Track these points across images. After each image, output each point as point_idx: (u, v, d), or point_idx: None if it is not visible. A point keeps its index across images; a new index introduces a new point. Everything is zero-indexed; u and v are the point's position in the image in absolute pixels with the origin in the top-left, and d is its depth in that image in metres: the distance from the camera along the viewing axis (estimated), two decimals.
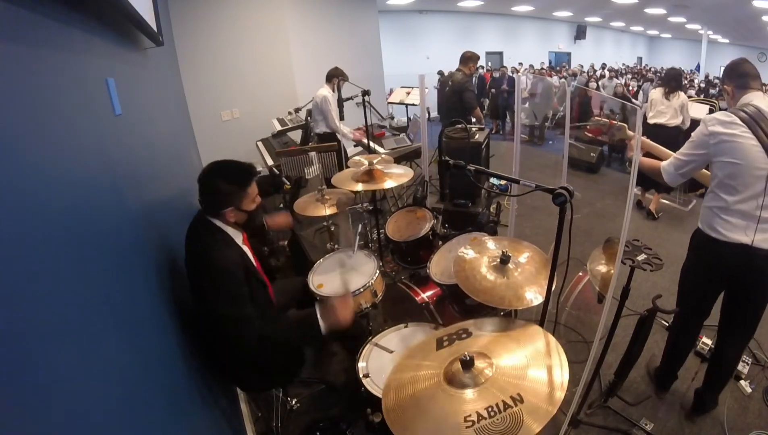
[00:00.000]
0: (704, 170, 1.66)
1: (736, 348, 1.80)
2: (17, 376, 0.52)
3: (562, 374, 1.01)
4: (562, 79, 9.04)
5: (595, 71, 12.11)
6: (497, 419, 0.93)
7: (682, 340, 1.94)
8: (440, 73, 8.51)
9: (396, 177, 2.21)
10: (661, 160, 1.77)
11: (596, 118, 3.55)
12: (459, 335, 1.26)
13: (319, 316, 1.44)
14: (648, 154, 1.86)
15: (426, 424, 1.00)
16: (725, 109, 1.60)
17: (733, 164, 1.48)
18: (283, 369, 1.65)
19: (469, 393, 1.03)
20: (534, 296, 1.38)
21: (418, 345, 1.33)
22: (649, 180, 3.99)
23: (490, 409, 0.96)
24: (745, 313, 1.69)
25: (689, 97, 5.32)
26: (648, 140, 1.88)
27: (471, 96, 4.07)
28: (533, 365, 1.06)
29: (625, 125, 1.95)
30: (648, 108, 3.94)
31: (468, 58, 4.14)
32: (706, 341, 2.22)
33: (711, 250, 1.59)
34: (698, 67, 15.78)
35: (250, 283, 1.43)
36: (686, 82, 10.59)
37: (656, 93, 3.95)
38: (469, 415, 0.96)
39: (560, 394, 0.96)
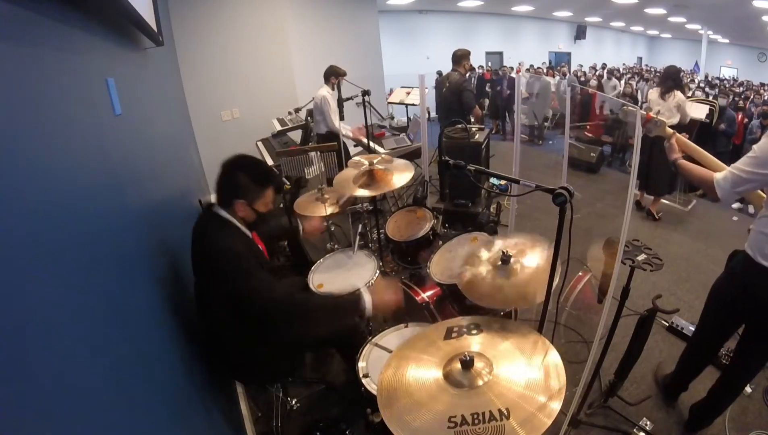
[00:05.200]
0: (759, 191, 1.48)
1: (753, 370, 1.70)
2: (17, 376, 0.52)
3: (558, 389, 1.00)
4: (563, 79, 9.04)
5: (595, 71, 12.11)
6: (479, 428, 0.93)
7: (699, 356, 1.86)
8: (439, 73, 8.52)
9: (399, 171, 2.18)
10: (707, 166, 1.60)
11: (627, 108, 3.48)
12: (469, 329, 1.26)
13: (368, 296, 1.46)
14: (688, 157, 1.69)
15: (412, 413, 1.01)
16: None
17: None
18: (286, 358, 1.64)
19: (462, 393, 1.03)
20: (534, 296, 1.38)
21: (426, 331, 1.33)
22: (651, 185, 4.02)
23: (475, 416, 0.95)
24: None
25: (692, 97, 5.33)
26: (690, 142, 1.72)
27: (470, 96, 4.05)
28: (530, 379, 1.05)
29: (665, 121, 1.80)
30: (649, 107, 3.93)
31: (460, 57, 4.08)
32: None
33: (759, 279, 1.44)
34: (697, 66, 15.76)
35: (260, 264, 1.43)
36: (687, 81, 10.60)
37: (653, 93, 3.94)
38: (455, 416, 0.96)
39: (556, 406, 0.96)
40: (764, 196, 1.45)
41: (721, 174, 1.46)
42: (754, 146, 1.39)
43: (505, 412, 0.95)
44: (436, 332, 1.29)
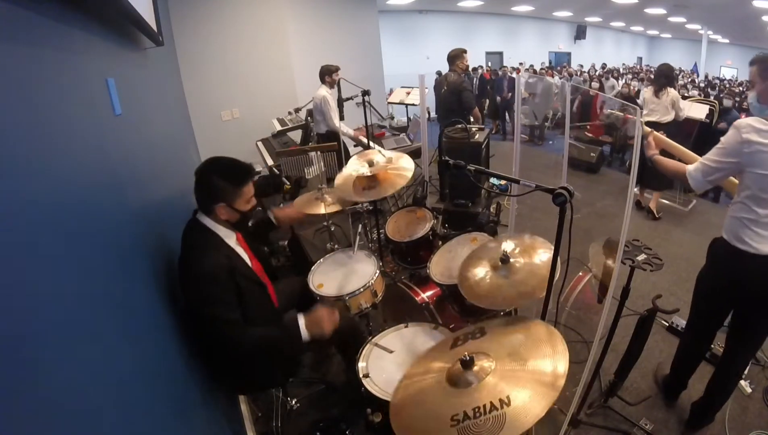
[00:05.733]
0: (731, 178, 1.56)
1: (744, 358, 1.75)
2: (17, 376, 0.52)
3: (563, 361, 1.02)
4: (562, 79, 9.04)
5: (595, 71, 12.11)
6: (480, 420, 0.95)
7: (693, 349, 1.89)
8: (438, 73, 8.52)
9: (399, 168, 2.17)
10: (680, 159, 1.70)
11: (610, 111, 3.55)
12: (474, 335, 1.27)
13: (302, 324, 1.47)
14: (663, 152, 1.78)
15: (419, 421, 1.03)
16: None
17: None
18: (274, 371, 1.64)
19: (465, 392, 1.04)
20: (533, 293, 1.38)
21: (435, 346, 1.36)
22: (649, 179, 4.02)
23: (476, 410, 0.97)
24: (757, 325, 1.62)
25: (690, 97, 5.34)
26: (666, 138, 1.82)
27: (469, 96, 4.05)
28: (534, 355, 1.07)
29: (642, 120, 1.88)
30: (644, 106, 3.95)
31: (454, 57, 4.09)
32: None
33: (736, 262, 1.51)
34: (695, 68, 15.80)
35: (238, 286, 1.41)
36: (686, 82, 10.60)
37: (647, 92, 3.97)
38: (457, 414, 0.98)
39: (561, 380, 0.97)
40: (737, 182, 1.51)
41: (693, 166, 1.57)
42: (722, 137, 1.48)
43: (505, 400, 0.97)
44: (443, 346, 1.31)
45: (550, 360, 1.04)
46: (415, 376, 1.21)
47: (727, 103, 5.32)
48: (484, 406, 0.97)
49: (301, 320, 1.48)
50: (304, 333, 1.46)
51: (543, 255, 1.50)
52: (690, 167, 1.57)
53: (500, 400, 0.97)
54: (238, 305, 1.40)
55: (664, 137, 1.82)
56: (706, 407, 1.81)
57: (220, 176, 1.40)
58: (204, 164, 1.42)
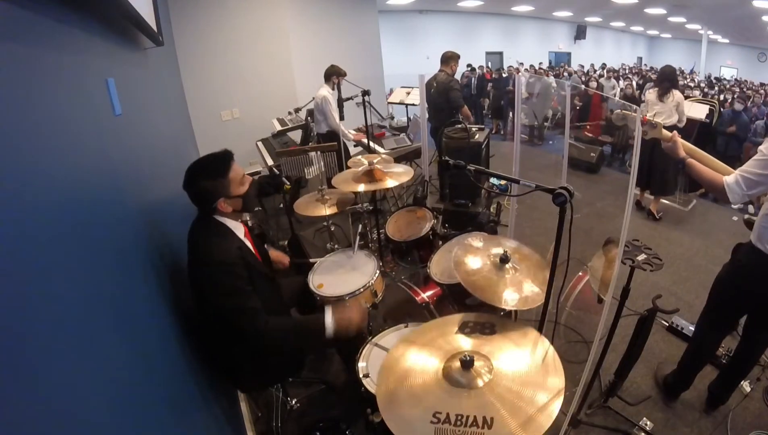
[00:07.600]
0: None
1: (762, 347, 1.79)
2: (17, 376, 0.52)
3: (544, 404, 0.99)
4: (563, 79, 9.05)
5: (595, 71, 12.10)
6: (459, 431, 0.93)
7: (704, 350, 1.90)
8: None
9: (396, 176, 2.20)
10: (708, 165, 1.66)
11: (618, 111, 3.52)
12: (483, 329, 1.26)
13: (329, 315, 1.47)
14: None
15: (403, 399, 1.03)
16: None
17: None
18: (282, 367, 1.65)
19: (455, 392, 1.03)
20: (533, 296, 1.38)
21: (444, 320, 1.35)
22: (656, 186, 4.01)
23: (459, 418, 0.95)
24: None
25: (690, 97, 5.32)
26: (689, 144, 1.76)
27: (457, 95, 4.07)
28: (525, 391, 1.03)
29: (660, 123, 1.81)
30: (646, 108, 3.94)
31: (449, 58, 4.17)
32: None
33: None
34: (695, 68, 15.81)
35: (252, 276, 1.43)
36: (687, 81, 10.59)
37: (651, 94, 3.94)
38: (440, 412, 0.96)
39: (544, 422, 0.94)
40: None
41: (732, 178, 1.49)
42: (761, 147, 1.44)
43: (488, 420, 0.94)
44: (450, 324, 1.30)
45: (546, 395, 1.00)
46: (414, 346, 1.22)
47: (739, 106, 5.26)
48: (467, 417, 0.95)
49: (329, 314, 1.48)
50: (330, 326, 1.46)
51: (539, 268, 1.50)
52: (729, 179, 1.50)
53: (483, 419, 0.94)
54: (255, 295, 1.41)
55: (685, 141, 1.76)
56: (725, 384, 1.88)
57: (204, 178, 1.41)
58: (186, 176, 1.43)
